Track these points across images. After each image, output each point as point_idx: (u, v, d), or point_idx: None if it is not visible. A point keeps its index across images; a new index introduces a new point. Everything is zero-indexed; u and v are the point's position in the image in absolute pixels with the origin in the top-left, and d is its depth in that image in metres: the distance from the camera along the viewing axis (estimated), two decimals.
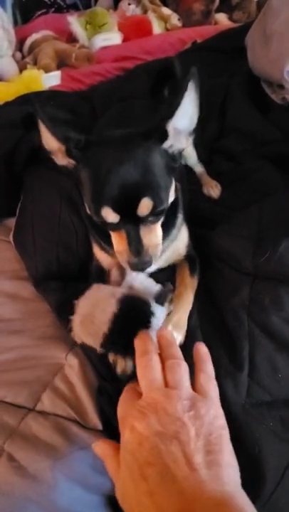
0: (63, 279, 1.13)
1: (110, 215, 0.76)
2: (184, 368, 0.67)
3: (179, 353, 0.71)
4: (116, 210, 0.75)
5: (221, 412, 0.64)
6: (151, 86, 1.45)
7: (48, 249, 1.15)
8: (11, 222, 1.30)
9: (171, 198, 0.87)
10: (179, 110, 0.77)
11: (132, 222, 0.78)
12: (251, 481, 0.78)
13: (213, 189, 1.40)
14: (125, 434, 0.59)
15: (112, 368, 0.91)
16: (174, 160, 0.83)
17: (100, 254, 1.07)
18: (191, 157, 1.46)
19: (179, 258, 1.08)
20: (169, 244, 1.01)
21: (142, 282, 0.93)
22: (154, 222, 0.81)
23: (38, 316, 1.09)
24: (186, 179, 1.35)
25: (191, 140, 0.85)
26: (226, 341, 0.93)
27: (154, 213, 0.78)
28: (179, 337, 0.93)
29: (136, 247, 0.78)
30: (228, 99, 1.66)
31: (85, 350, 0.97)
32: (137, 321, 0.80)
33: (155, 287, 0.96)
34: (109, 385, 0.91)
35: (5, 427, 0.89)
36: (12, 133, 1.35)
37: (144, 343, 0.72)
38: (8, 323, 1.08)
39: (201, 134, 1.51)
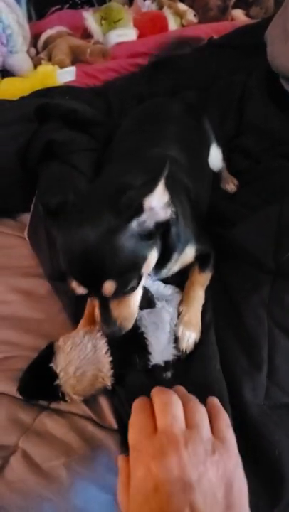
0: None
1: (78, 289, 0.77)
2: (204, 411, 0.64)
3: (196, 399, 0.68)
4: (81, 284, 0.76)
5: (239, 460, 0.60)
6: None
7: None
8: (26, 218, 1.30)
9: (149, 267, 0.84)
10: (157, 192, 0.74)
11: (100, 295, 0.77)
12: (271, 484, 0.76)
13: (230, 184, 1.39)
14: (138, 473, 0.55)
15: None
16: (148, 235, 0.79)
17: None
18: (218, 162, 1.44)
19: (188, 264, 1.05)
20: (173, 265, 0.99)
21: (150, 286, 0.92)
22: (125, 294, 0.79)
23: (54, 316, 1.09)
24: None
25: (169, 213, 0.81)
26: (244, 341, 0.92)
27: (121, 292, 0.77)
28: (192, 335, 0.91)
29: (105, 318, 0.79)
30: (246, 96, 1.64)
31: None
32: None
33: (167, 290, 0.95)
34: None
35: (20, 424, 0.89)
36: (26, 127, 1.34)
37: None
38: (23, 322, 1.07)
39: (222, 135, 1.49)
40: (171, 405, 0.61)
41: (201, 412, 0.62)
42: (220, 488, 0.52)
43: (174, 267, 1.00)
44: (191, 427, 0.58)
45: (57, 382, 0.80)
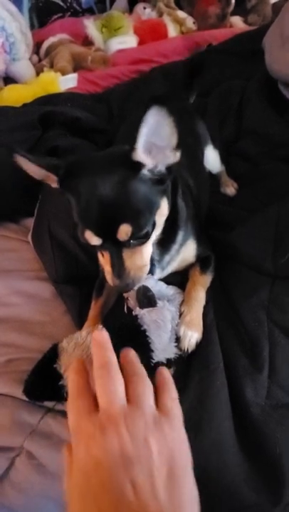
0: (81, 278, 1.14)
1: (92, 238, 0.78)
2: (148, 384, 0.61)
3: (143, 371, 0.65)
4: (97, 234, 0.77)
5: (184, 434, 0.58)
6: (184, 83, 1.46)
7: (64, 248, 1.16)
8: (30, 222, 1.31)
9: (162, 217, 0.86)
10: (144, 135, 0.76)
11: (114, 244, 0.78)
12: (272, 483, 0.77)
13: (230, 187, 1.41)
14: (79, 452, 0.53)
15: None
16: (160, 180, 0.82)
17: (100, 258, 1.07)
18: (215, 164, 1.46)
19: (187, 265, 1.07)
20: (172, 258, 1.01)
21: (153, 286, 0.94)
22: (139, 244, 0.81)
23: (58, 318, 1.10)
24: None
25: (178, 155, 0.83)
26: (245, 342, 0.93)
27: (136, 237, 0.78)
28: (194, 335, 0.92)
29: (118, 269, 0.79)
30: (245, 101, 1.66)
31: None
32: None
33: (169, 291, 0.96)
34: None
35: (25, 426, 0.90)
36: (30, 133, 1.36)
37: (105, 354, 0.63)
38: (27, 324, 1.09)
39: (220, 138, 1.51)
40: (111, 381, 0.58)
41: (144, 386, 0.60)
42: (161, 462, 0.51)
43: (175, 259, 1.02)
44: (132, 402, 0.57)
45: (61, 382, 0.81)
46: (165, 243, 0.95)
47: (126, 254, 0.79)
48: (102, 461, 0.50)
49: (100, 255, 0.86)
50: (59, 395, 0.81)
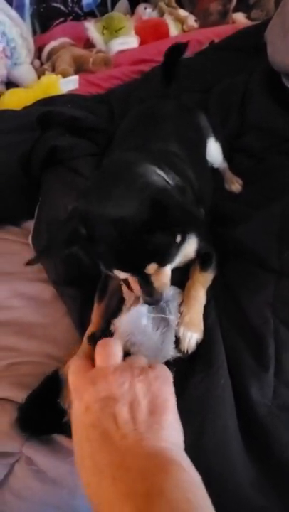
0: (82, 280, 1.12)
1: (121, 274, 0.82)
2: (143, 360, 0.67)
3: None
4: (124, 270, 0.81)
5: (168, 380, 0.62)
6: (163, 69, 1.45)
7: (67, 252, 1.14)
8: (30, 224, 1.30)
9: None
10: None
11: (142, 274, 0.82)
12: (281, 486, 0.74)
13: (235, 184, 1.38)
14: (75, 404, 0.58)
15: None
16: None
17: None
18: (218, 159, 1.44)
19: (190, 260, 1.04)
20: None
21: None
22: (164, 267, 0.85)
23: (59, 320, 1.08)
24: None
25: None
26: (250, 340, 0.90)
27: (162, 267, 0.83)
28: (194, 335, 0.89)
29: (147, 291, 0.83)
30: (247, 96, 1.63)
31: None
32: None
33: (168, 291, 0.94)
34: None
35: None
36: (28, 135, 1.35)
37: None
38: (28, 327, 1.07)
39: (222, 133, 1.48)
40: (110, 346, 0.64)
41: (138, 359, 0.66)
42: (144, 398, 0.55)
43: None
44: (125, 362, 0.63)
45: (65, 419, 0.78)
46: None
47: (153, 277, 0.83)
48: (91, 404, 0.55)
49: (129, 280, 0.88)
50: (62, 430, 0.77)
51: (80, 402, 0.57)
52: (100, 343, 0.66)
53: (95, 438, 0.52)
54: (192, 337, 0.88)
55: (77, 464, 0.55)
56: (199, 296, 0.95)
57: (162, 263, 0.82)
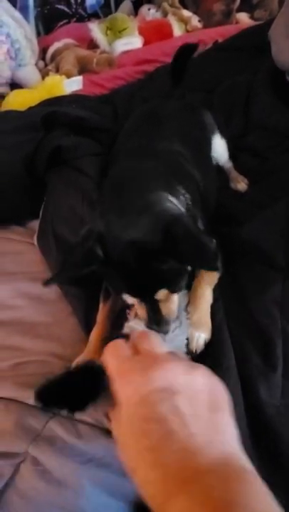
0: (87, 279, 1.11)
1: (129, 300, 0.83)
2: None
3: None
4: (134, 297, 0.82)
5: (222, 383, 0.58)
6: (172, 69, 1.44)
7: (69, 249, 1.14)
8: (35, 224, 1.30)
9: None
10: None
11: (151, 301, 0.82)
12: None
13: (241, 183, 1.37)
14: (124, 391, 0.53)
15: None
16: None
17: None
18: (223, 156, 1.43)
19: None
20: None
21: None
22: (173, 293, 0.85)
23: (63, 320, 1.08)
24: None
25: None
26: (257, 340, 0.89)
27: (172, 293, 0.83)
28: (202, 335, 0.89)
29: (154, 319, 0.82)
30: (252, 95, 1.63)
31: None
32: None
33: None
34: None
35: (29, 430, 0.87)
36: (32, 135, 1.35)
37: None
38: (33, 327, 1.07)
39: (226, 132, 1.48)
40: (152, 334, 0.61)
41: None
42: (203, 393, 0.51)
43: None
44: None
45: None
46: None
47: (161, 305, 0.83)
48: (147, 395, 0.50)
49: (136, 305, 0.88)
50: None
51: (131, 390, 0.52)
52: (142, 332, 0.62)
53: (156, 433, 0.48)
54: (200, 337, 0.88)
55: (129, 457, 0.50)
56: (206, 295, 0.94)
57: (173, 289, 0.82)
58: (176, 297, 0.86)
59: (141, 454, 0.48)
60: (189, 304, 0.94)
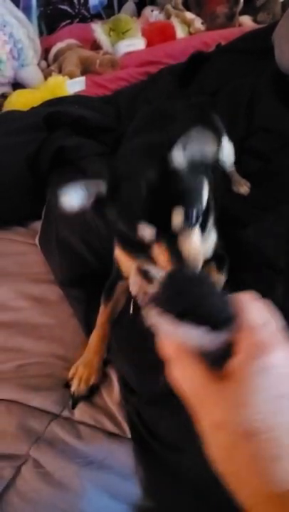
0: (87, 281, 1.11)
1: (146, 231, 0.76)
2: None
3: None
4: (150, 223, 0.75)
5: None
6: (183, 73, 1.43)
7: (71, 249, 1.15)
8: (37, 225, 1.30)
9: (206, 197, 0.83)
10: (184, 155, 0.76)
11: (169, 233, 0.76)
12: None
13: (243, 187, 1.37)
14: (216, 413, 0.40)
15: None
16: (199, 167, 0.81)
17: (121, 257, 1.04)
18: (230, 159, 1.42)
19: (205, 258, 1.05)
20: None
21: None
22: (192, 228, 0.79)
23: (65, 322, 1.08)
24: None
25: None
26: None
27: (189, 220, 0.77)
28: None
29: (177, 259, 0.76)
30: (255, 98, 1.63)
31: (114, 357, 0.97)
32: None
33: None
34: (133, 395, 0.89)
35: (31, 432, 0.87)
36: (35, 136, 1.35)
37: None
38: (35, 328, 1.07)
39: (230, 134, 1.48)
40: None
41: None
42: None
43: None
44: None
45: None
46: None
47: (181, 241, 0.77)
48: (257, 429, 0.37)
49: (154, 248, 0.81)
50: None
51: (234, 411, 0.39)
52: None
53: (262, 444, 0.37)
54: None
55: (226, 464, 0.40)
56: None
57: (188, 210, 0.75)
58: (196, 236, 0.80)
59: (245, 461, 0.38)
60: None
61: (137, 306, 0.86)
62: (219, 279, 0.99)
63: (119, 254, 1.03)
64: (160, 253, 0.79)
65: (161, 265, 0.80)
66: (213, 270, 1.00)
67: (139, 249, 0.85)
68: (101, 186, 0.77)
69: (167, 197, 0.75)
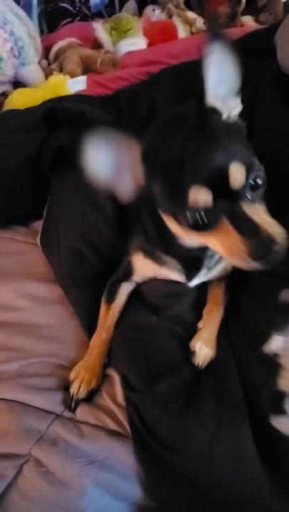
0: (88, 281, 1.12)
1: (201, 195, 0.63)
2: None
3: None
4: (206, 185, 0.62)
5: None
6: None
7: (72, 249, 1.15)
8: (38, 225, 1.30)
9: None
10: (209, 81, 0.67)
11: (229, 201, 0.64)
12: None
13: None
14: None
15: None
16: (239, 128, 0.74)
17: (141, 263, 1.01)
18: None
19: (222, 276, 1.00)
20: (221, 259, 0.94)
21: None
22: (256, 199, 0.66)
23: (66, 322, 1.09)
24: None
25: (240, 102, 0.74)
26: (259, 347, 0.89)
27: (251, 182, 0.65)
28: (210, 352, 0.91)
29: (248, 227, 0.62)
30: (257, 99, 1.63)
31: (116, 360, 0.97)
32: None
33: None
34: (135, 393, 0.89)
35: (32, 432, 0.88)
36: (35, 134, 1.35)
37: None
38: (36, 328, 1.07)
39: None
40: None
41: None
42: None
43: (221, 261, 0.93)
44: None
45: None
46: None
47: (247, 208, 0.64)
48: None
49: (212, 237, 0.68)
50: None
51: None
52: None
53: None
54: (208, 353, 0.90)
55: None
56: (220, 315, 0.96)
57: (247, 163, 0.64)
58: (265, 209, 0.68)
59: None
60: (202, 320, 0.96)
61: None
62: (226, 299, 0.99)
63: (139, 260, 1.00)
64: (224, 240, 0.65)
65: (230, 256, 0.67)
66: (221, 291, 0.99)
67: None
68: (134, 149, 0.67)
69: (221, 154, 0.63)
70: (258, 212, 0.65)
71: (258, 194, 0.67)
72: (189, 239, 0.79)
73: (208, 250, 0.85)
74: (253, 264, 0.64)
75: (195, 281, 0.98)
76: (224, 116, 0.71)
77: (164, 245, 0.92)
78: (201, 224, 0.65)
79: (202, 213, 0.64)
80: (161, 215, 0.78)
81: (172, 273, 0.97)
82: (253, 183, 0.66)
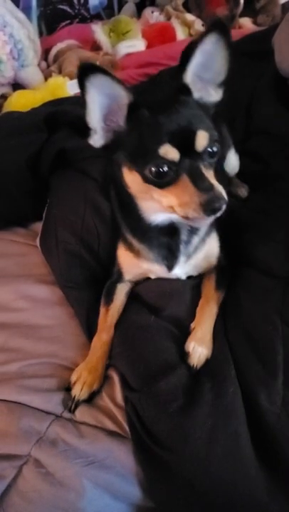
0: (87, 282, 1.12)
1: (170, 152, 0.76)
2: None
3: None
4: (175, 144, 0.76)
5: None
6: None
7: (70, 251, 1.15)
8: (38, 226, 1.30)
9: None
10: (194, 62, 0.80)
11: (192, 159, 0.77)
12: None
13: (241, 189, 1.38)
14: None
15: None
16: (207, 109, 0.85)
17: (123, 257, 1.05)
18: (234, 170, 1.43)
19: (209, 267, 1.05)
20: (199, 246, 0.99)
21: None
22: (210, 165, 0.80)
23: (66, 323, 1.09)
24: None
25: (221, 94, 0.87)
26: (258, 347, 0.90)
27: (210, 149, 0.79)
28: (204, 352, 0.91)
29: (203, 182, 0.76)
30: (255, 101, 1.64)
31: (115, 359, 0.97)
32: None
33: None
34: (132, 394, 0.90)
35: (32, 433, 0.88)
36: (36, 136, 1.35)
37: None
38: (35, 329, 1.08)
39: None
40: None
41: None
42: None
43: (201, 248, 1.00)
44: None
45: None
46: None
47: (204, 170, 0.78)
48: None
49: (172, 191, 0.80)
50: None
51: None
52: None
53: None
54: (202, 353, 0.90)
55: None
56: (212, 313, 0.97)
57: (210, 133, 0.78)
58: (212, 172, 0.81)
59: None
60: (195, 320, 0.96)
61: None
62: (217, 295, 1.00)
63: (122, 253, 1.04)
64: (181, 193, 0.77)
65: (182, 207, 0.78)
66: (212, 288, 1.01)
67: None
68: (125, 98, 0.78)
69: (191, 122, 0.78)
70: (211, 175, 0.79)
71: (212, 161, 0.81)
72: (150, 203, 0.87)
73: (181, 235, 0.94)
74: (201, 215, 0.76)
75: (178, 271, 1.00)
76: (196, 95, 0.83)
77: (132, 225, 0.98)
78: (163, 178, 0.78)
79: (165, 168, 0.77)
80: (124, 177, 0.87)
81: (152, 265, 1.01)
82: (210, 150, 0.79)
